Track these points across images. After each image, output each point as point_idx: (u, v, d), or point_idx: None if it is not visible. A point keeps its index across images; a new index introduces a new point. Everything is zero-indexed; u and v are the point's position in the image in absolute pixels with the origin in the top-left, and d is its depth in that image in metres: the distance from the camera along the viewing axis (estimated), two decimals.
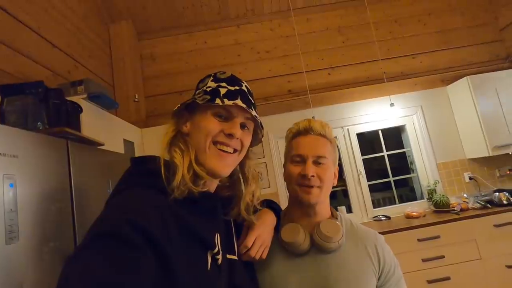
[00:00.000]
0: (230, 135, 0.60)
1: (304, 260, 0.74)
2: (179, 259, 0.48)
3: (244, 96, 0.63)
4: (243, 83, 0.67)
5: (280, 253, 0.76)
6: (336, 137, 2.98)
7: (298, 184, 0.77)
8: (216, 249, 0.57)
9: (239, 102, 0.60)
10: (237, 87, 0.64)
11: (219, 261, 0.58)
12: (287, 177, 0.81)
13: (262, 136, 0.73)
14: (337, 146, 0.85)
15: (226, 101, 0.59)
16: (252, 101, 0.66)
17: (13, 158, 0.83)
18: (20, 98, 1.20)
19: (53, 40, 1.91)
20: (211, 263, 0.55)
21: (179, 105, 0.62)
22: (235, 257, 0.65)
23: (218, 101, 0.59)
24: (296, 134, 0.82)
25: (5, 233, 0.76)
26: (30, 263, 0.81)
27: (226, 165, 0.62)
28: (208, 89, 0.62)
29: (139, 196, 0.52)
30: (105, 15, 2.76)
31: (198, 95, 0.62)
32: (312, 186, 0.75)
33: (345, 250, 0.75)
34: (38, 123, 1.16)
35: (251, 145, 0.70)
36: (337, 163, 0.83)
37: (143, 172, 0.57)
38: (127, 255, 0.42)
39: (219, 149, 0.60)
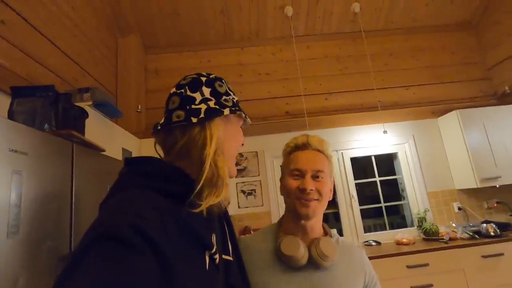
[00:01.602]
0: (242, 145, 0.69)
1: (298, 274, 0.75)
2: (179, 260, 0.48)
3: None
4: None
5: (276, 264, 0.77)
6: (334, 151, 3.00)
7: (296, 198, 0.78)
8: (214, 249, 0.58)
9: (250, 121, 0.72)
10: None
11: (217, 261, 0.58)
12: (285, 190, 0.82)
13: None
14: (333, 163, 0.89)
15: (248, 119, 0.70)
16: None
17: (23, 155, 0.86)
18: (30, 100, 1.24)
19: (65, 49, 1.98)
20: (209, 263, 0.56)
21: (219, 108, 0.62)
22: (230, 258, 0.66)
23: (248, 118, 0.69)
24: (294, 149, 0.84)
25: (7, 227, 0.77)
26: (27, 259, 0.82)
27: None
28: (235, 101, 0.68)
29: (137, 197, 0.51)
30: (115, 28, 2.87)
31: (229, 103, 0.64)
32: (310, 200, 0.77)
33: (336, 265, 0.77)
34: (46, 125, 1.20)
35: None
36: (333, 178, 0.86)
37: (140, 173, 0.56)
38: (126, 257, 0.41)
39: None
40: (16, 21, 1.57)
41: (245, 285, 0.69)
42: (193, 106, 0.62)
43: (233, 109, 0.63)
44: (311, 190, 0.76)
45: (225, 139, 0.63)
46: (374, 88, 3.01)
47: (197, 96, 0.64)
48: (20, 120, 1.18)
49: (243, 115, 0.68)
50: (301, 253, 0.74)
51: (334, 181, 0.87)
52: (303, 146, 0.83)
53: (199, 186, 0.54)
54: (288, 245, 0.75)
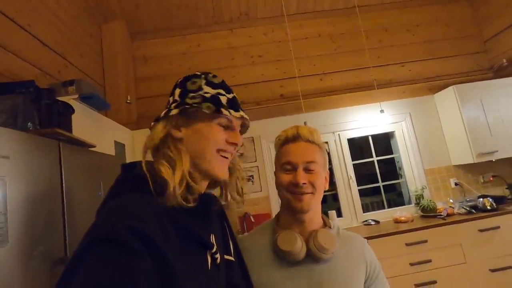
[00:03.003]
0: (234, 144, 0.63)
1: (298, 268, 0.74)
2: (179, 261, 0.48)
3: (238, 103, 0.65)
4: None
5: (275, 260, 0.76)
6: (327, 143, 3.01)
7: (290, 192, 0.77)
8: (215, 249, 0.58)
9: (244, 114, 0.64)
10: (232, 95, 0.65)
11: (218, 261, 0.59)
12: (279, 185, 0.80)
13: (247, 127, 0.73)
14: (328, 151, 0.85)
15: (233, 112, 0.62)
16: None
17: (4, 159, 0.80)
18: (10, 98, 1.17)
19: (44, 39, 1.87)
20: (211, 263, 0.56)
21: (172, 108, 0.60)
22: (232, 258, 0.66)
23: (225, 112, 0.60)
24: (284, 142, 0.82)
25: None
26: (19, 267, 0.79)
27: (226, 169, 0.64)
28: (207, 95, 0.61)
29: (135, 200, 0.51)
30: (97, 15, 2.72)
31: (196, 100, 0.60)
32: (304, 193, 0.75)
33: (336, 257, 0.76)
34: (29, 124, 1.13)
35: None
36: (327, 168, 0.83)
37: (135, 177, 0.56)
38: (126, 261, 0.41)
39: (222, 156, 0.62)
40: None
41: (247, 284, 0.69)
42: (164, 111, 0.63)
43: (188, 106, 0.59)
44: (304, 183, 0.74)
45: (190, 139, 0.60)
46: (370, 66, 2.94)
47: (170, 100, 0.65)
48: (1, 119, 1.11)
49: (208, 110, 0.59)
50: (299, 247, 0.73)
51: (328, 171, 0.84)
52: (293, 138, 0.80)
53: (150, 182, 0.54)
54: (285, 240, 0.74)
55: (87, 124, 1.72)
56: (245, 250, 0.77)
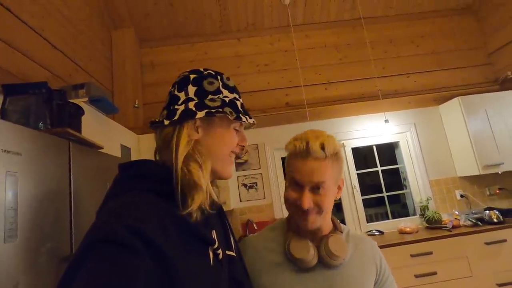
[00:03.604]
0: (243, 147, 0.66)
1: (309, 274, 0.74)
2: (181, 258, 0.48)
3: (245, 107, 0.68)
4: None
5: (286, 264, 0.75)
6: (343, 144, 2.91)
7: (295, 210, 0.74)
8: (216, 245, 0.58)
9: (252, 120, 0.66)
10: (241, 99, 0.68)
11: (220, 256, 0.59)
12: (285, 198, 0.77)
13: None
14: (343, 157, 0.82)
15: (248, 118, 0.64)
16: None
17: (16, 156, 0.82)
18: (23, 98, 1.20)
19: (56, 43, 1.92)
20: (213, 258, 0.56)
21: (192, 108, 0.60)
22: (233, 254, 0.66)
23: (244, 118, 0.63)
24: (293, 156, 0.75)
25: (4, 231, 0.74)
26: (26, 263, 0.79)
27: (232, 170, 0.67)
28: (226, 100, 0.63)
29: (134, 200, 0.51)
30: (108, 21, 2.79)
31: (216, 104, 0.61)
32: (309, 215, 0.72)
33: (347, 261, 0.75)
34: (40, 124, 1.16)
35: None
36: (342, 176, 0.79)
37: (135, 176, 0.56)
38: (126, 261, 0.41)
39: (231, 158, 0.65)
40: (4, 16, 1.51)
41: (248, 280, 0.69)
42: (175, 106, 0.61)
43: (214, 110, 0.60)
44: (309, 207, 0.71)
45: (208, 142, 0.61)
46: (375, 77, 2.96)
47: (182, 96, 0.63)
48: (13, 119, 1.14)
49: (231, 116, 0.60)
50: (311, 255, 0.72)
51: (343, 179, 0.81)
52: (302, 155, 0.73)
53: (178, 190, 0.54)
54: (298, 248, 0.73)
55: (95, 127, 1.74)
56: (254, 249, 0.77)
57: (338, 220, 0.87)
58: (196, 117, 0.59)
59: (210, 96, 0.62)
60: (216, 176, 0.64)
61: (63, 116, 1.22)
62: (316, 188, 0.71)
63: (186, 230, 0.53)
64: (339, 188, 0.79)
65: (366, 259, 0.78)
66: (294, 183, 0.74)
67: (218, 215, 0.70)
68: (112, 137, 2.02)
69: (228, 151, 0.64)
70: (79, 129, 1.33)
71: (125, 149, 2.23)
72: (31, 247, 0.82)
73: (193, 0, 2.84)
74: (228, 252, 0.64)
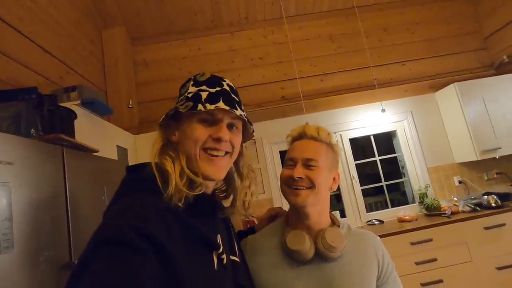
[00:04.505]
0: (219, 139, 0.59)
1: (307, 267, 0.74)
2: (185, 261, 0.48)
3: (227, 95, 0.61)
4: (225, 81, 0.65)
5: (284, 259, 0.76)
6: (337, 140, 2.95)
7: (288, 186, 0.78)
8: (221, 249, 0.58)
9: (221, 105, 0.59)
10: (218, 88, 0.62)
11: (224, 261, 0.59)
12: (280, 179, 0.82)
13: (253, 131, 0.71)
14: (340, 152, 0.85)
15: (208, 105, 0.58)
16: (237, 99, 0.64)
17: (8, 165, 0.81)
18: (13, 105, 1.18)
19: (45, 46, 1.88)
20: (217, 263, 0.56)
21: (164, 116, 0.62)
22: (237, 259, 0.66)
23: (200, 107, 0.58)
24: (291, 141, 0.84)
25: None
26: (25, 273, 0.79)
27: (219, 169, 0.61)
28: (189, 95, 0.61)
29: (140, 201, 0.51)
30: (98, 21, 2.74)
31: (181, 103, 0.61)
32: (300, 187, 0.75)
33: (346, 255, 0.76)
34: (32, 130, 1.14)
35: (243, 141, 0.70)
36: (336, 168, 0.83)
37: (141, 178, 0.57)
38: (132, 261, 0.42)
39: (210, 154, 0.60)
40: None
41: (251, 286, 0.70)
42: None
43: (172, 112, 0.62)
44: (300, 177, 0.75)
45: (181, 141, 0.62)
46: (370, 66, 2.94)
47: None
48: (3, 126, 1.12)
49: (184, 109, 0.59)
50: (307, 246, 0.73)
51: (338, 173, 0.84)
52: (299, 136, 0.82)
53: (168, 188, 0.54)
54: (294, 240, 0.74)
55: (89, 130, 1.73)
56: (255, 250, 0.78)
57: (339, 216, 0.88)
58: (161, 118, 0.62)
59: (179, 98, 0.65)
60: (204, 178, 0.60)
61: (54, 121, 1.20)
62: (308, 165, 0.76)
63: (192, 233, 0.53)
64: (335, 180, 0.82)
65: (367, 254, 0.78)
66: (289, 161, 0.80)
67: (223, 221, 0.70)
68: (108, 138, 2.00)
69: (197, 145, 0.59)
70: (72, 134, 1.31)
71: (122, 150, 2.22)
72: (29, 257, 0.82)
73: None
74: (232, 257, 0.64)
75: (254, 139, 2.93)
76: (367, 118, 2.98)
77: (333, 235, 0.74)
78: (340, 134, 2.99)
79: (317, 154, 0.77)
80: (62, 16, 2.14)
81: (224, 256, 0.59)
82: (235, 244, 0.69)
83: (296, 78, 2.85)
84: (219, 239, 0.60)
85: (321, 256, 0.73)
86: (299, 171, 0.75)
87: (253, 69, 3.09)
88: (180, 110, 0.59)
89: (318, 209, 0.78)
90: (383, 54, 3.13)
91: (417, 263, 2.22)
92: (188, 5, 2.87)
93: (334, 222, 0.82)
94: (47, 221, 0.92)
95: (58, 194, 1.01)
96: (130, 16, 2.84)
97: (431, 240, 2.27)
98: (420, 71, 3.11)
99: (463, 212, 2.52)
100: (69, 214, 1.03)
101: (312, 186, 0.75)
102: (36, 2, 1.84)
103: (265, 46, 3.13)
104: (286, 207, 0.88)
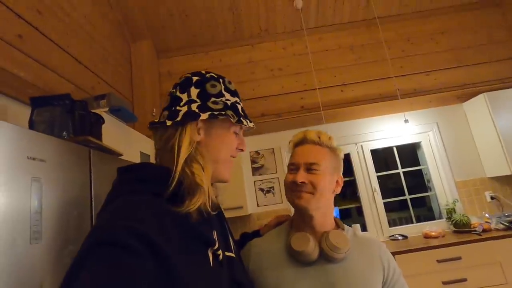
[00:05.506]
0: (242, 150, 0.68)
1: (312, 269, 0.74)
2: (181, 260, 0.48)
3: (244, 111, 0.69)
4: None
5: (289, 261, 0.76)
6: (348, 154, 2.90)
7: (291, 191, 0.79)
8: (217, 246, 0.58)
9: (254, 125, 0.68)
10: (242, 103, 0.69)
11: (220, 257, 0.58)
12: (284, 184, 0.84)
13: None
14: (343, 156, 0.85)
15: (249, 122, 0.66)
16: None
17: (41, 162, 0.87)
18: (48, 109, 1.28)
19: (80, 57, 2.03)
20: (213, 260, 0.56)
21: (195, 109, 0.60)
22: (233, 255, 0.65)
23: (245, 122, 0.65)
24: (293, 146, 0.86)
25: (30, 232, 0.79)
26: (50, 264, 0.84)
27: (230, 172, 0.68)
28: (228, 103, 0.64)
29: (134, 202, 0.51)
30: (127, 35, 2.92)
31: (219, 106, 0.62)
32: (302, 192, 0.76)
33: (351, 258, 0.75)
34: (64, 133, 1.22)
35: None
36: (340, 171, 0.84)
37: (134, 179, 0.57)
38: (127, 262, 0.41)
39: (231, 160, 0.66)
40: (32, 34, 1.62)
41: (248, 281, 0.70)
42: (177, 108, 0.62)
43: (217, 113, 0.60)
44: (302, 182, 0.76)
45: (210, 144, 0.62)
46: (392, 76, 2.89)
47: (184, 97, 0.63)
48: (40, 129, 1.21)
49: (234, 119, 0.62)
50: (311, 247, 0.73)
51: (342, 176, 0.84)
52: (300, 142, 0.84)
53: (178, 191, 0.54)
54: (298, 241, 0.75)
55: (115, 135, 1.82)
56: (260, 252, 0.78)
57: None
58: (200, 119, 0.59)
59: (212, 99, 0.63)
60: (215, 179, 0.64)
61: (84, 125, 1.28)
62: (310, 169, 0.77)
63: (187, 231, 0.53)
64: (338, 183, 0.82)
65: (372, 258, 0.77)
66: (292, 167, 0.81)
67: (217, 216, 0.69)
68: (132, 144, 2.09)
69: (229, 154, 0.65)
70: (99, 137, 1.39)
71: (145, 156, 2.30)
72: (55, 249, 0.86)
73: (207, 10, 2.92)
74: (227, 253, 0.63)
75: (273, 149, 2.93)
76: (389, 129, 2.91)
77: (337, 236, 0.74)
78: (361, 145, 2.93)
79: (319, 158, 0.79)
80: (95, 30, 2.31)
81: (220, 252, 0.58)
82: (230, 239, 0.69)
83: (316, 89, 2.85)
84: (214, 235, 0.60)
85: (325, 257, 0.74)
86: (301, 176, 0.77)
87: (272, 79, 3.13)
88: (231, 119, 0.62)
89: (321, 212, 0.79)
90: (406, 64, 3.07)
91: (444, 283, 2.08)
92: (210, 19, 2.99)
93: (338, 226, 0.83)
94: (73, 217, 0.97)
95: (84, 192, 1.06)
96: (157, 30, 3.01)
97: (459, 258, 2.13)
98: (445, 81, 3.00)
99: (496, 229, 2.35)
100: (93, 212, 1.08)
101: (313, 191, 0.76)
102: (72, 17, 2.01)
103: (285, 58, 3.18)
104: None
